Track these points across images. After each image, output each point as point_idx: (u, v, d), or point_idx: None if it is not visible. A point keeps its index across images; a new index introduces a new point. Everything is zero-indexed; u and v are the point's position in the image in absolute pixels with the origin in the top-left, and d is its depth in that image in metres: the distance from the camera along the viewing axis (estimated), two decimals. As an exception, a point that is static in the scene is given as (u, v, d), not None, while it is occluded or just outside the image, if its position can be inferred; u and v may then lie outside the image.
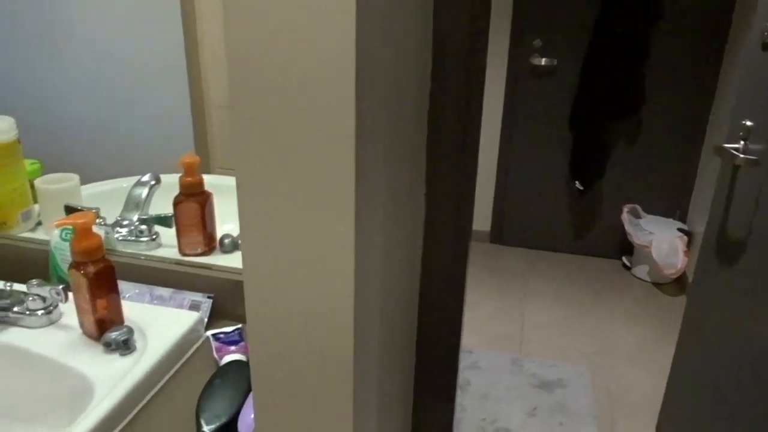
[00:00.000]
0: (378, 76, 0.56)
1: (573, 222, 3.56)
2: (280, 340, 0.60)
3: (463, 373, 2.42)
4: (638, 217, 3.35)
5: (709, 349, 1.76)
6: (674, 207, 3.36)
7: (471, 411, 2.21)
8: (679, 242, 3.06)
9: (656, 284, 3.27)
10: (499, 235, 3.68)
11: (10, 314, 0.88)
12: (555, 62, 3.21)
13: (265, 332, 0.60)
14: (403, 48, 0.71)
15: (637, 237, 3.19)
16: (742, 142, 1.61)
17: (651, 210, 3.39)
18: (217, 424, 0.76)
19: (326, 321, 0.58)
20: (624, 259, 3.47)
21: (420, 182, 0.88)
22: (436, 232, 0.91)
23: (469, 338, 2.70)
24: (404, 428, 1.11)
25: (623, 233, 3.32)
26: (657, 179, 3.33)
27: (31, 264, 1.11)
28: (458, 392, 2.30)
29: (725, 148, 1.61)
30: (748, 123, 1.59)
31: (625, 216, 3.27)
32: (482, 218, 3.67)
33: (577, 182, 3.35)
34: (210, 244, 1.10)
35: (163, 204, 1.09)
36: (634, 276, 3.36)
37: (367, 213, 0.58)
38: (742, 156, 1.55)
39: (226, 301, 1.03)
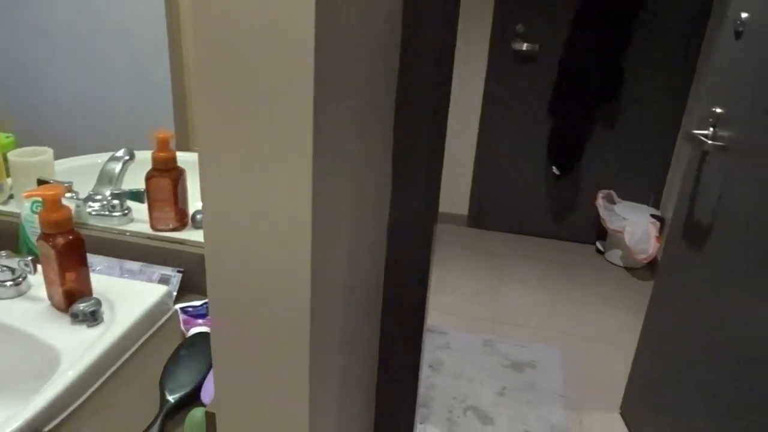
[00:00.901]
0: (340, 45, 0.57)
1: (550, 207, 3.60)
2: (239, 303, 0.61)
3: (436, 354, 2.46)
4: (613, 202, 3.40)
5: (673, 331, 1.81)
6: (649, 193, 3.41)
7: (442, 390, 2.25)
8: (652, 228, 3.11)
9: (629, 269, 3.33)
10: (477, 218, 3.71)
11: (-22, 285, 0.89)
12: (536, 47, 3.23)
13: (223, 294, 0.61)
14: (371, 22, 0.72)
15: (610, 222, 3.24)
16: (711, 129, 1.64)
17: (626, 196, 3.44)
18: (181, 393, 0.78)
19: (283, 287, 0.59)
20: (598, 244, 3.53)
21: (387, 159, 0.89)
22: (402, 211, 0.92)
23: (443, 319, 2.73)
24: (367, 406, 1.13)
25: (598, 218, 3.37)
26: (633, 166, 3.38)
27: (3, 236, 1.11)
28: (430, 372, 2.34)
29: (695, 135, 1.65)
30: (718, 110, 1.63)
31: (600, 202, 3.32)
32: (460, 202, 3.70)
33: (554, 167, 3.39)
34: (182, 220, 1.10)
35: (138, 179, 1.09)
36: (608, 261, 3.42)
37: (326, 179, 0.59)
38: (710, 142, 1.59)
39: (196, 275, 1.04)
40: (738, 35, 1.59)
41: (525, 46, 3.22)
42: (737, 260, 1.47)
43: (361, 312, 0.93)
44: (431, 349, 2.49)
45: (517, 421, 2.11)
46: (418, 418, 1.54)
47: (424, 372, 2.33)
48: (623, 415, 2.17)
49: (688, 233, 1.76)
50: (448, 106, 0.93)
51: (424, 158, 0.89)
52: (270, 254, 0.58)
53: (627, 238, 3.13)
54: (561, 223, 3.62)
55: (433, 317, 2.75)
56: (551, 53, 3.22)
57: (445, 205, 3.73)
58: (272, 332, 0.62)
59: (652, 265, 3.32)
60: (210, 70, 0.52)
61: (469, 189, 3.66)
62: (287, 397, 0.65)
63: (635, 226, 3.13)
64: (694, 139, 1.64)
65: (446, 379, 2.31)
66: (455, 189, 3.68)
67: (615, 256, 3.38)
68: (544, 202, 3.59)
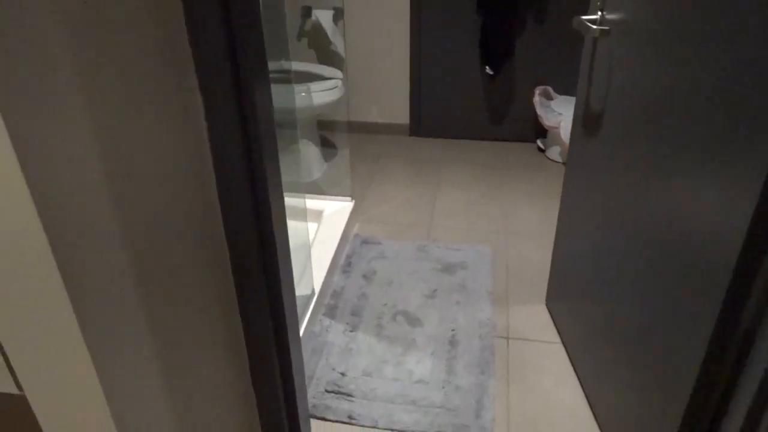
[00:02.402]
0: None
1: (488, 108, 3.56)
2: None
3: (371, 264, 2.50)
4: (550, 98, 3.36)
5: (583, 221, 1.84)
6: (585, 86, 3.37)
7: (373, 298, 2.29)
8: (586, 121, 3.10)
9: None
10: (418, 127, 3.68)
11: None
12: (458, -59, 3.09)
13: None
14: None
15: (547, 119, 3.22)
16: (599, 13, 1.60)
17: (563, 90, 3.41)
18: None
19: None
20: (539, 141, 3.52)
21: (187, 76, 0.86)
22: (219, 128, 0.89)
23: (378, 229, 2.76)
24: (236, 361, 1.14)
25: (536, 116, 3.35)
26: (567, 59, 3.32)
27: None
28: (364, 282, 2.38)
29: (582, 20, 1.60)
30: (605, -7, 1.58)
31: (537, 99, 3.29)
32: (400, 112, 3.65)
33: (487, 67, 3.33)
34: None
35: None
36: (548, 158, 3.43)
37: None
38: (594, 27, 1.55)
39: None
40: None
41: (447, -59, 3.08)
42: (630, 145, 1.47)
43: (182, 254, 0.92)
44: (366, 260, 2.52)
45: (446, 321, 2.17)
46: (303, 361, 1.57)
47: (357, 283, 2.38)
48: (548, 306, 2.24)
49: (586, 122, 1.75)
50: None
51: (231, 60, 0.86)
52: None
53: (562, 134, 3.12)
54: (501, 124, 3.60)
55: (368, 229, 2.77)
56: (475, -54, 3.09)
57: (385, 116, 3.68)
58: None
59: (590, 159, 3.33)
60: None
61: (408, 98, 3.60)
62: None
63: (570, 121, 3.12)
64: (582, 24, 1.60)
65: (378, 287, 2.35)
66: (393, 99, 3.62)
67: (554, 153, 3.38)
68: (482, 104, 3.55)
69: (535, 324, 2.17)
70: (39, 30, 0.58)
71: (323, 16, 3.21)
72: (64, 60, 0.62)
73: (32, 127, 0.56)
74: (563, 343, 2.06)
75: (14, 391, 0.79)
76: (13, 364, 0.74)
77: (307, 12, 3.34)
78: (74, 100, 0.64)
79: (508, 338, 2.10)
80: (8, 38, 0.54)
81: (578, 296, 1.90)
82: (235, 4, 0.84)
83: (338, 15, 3.25)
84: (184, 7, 0.82)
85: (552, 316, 2.19)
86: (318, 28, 3.29)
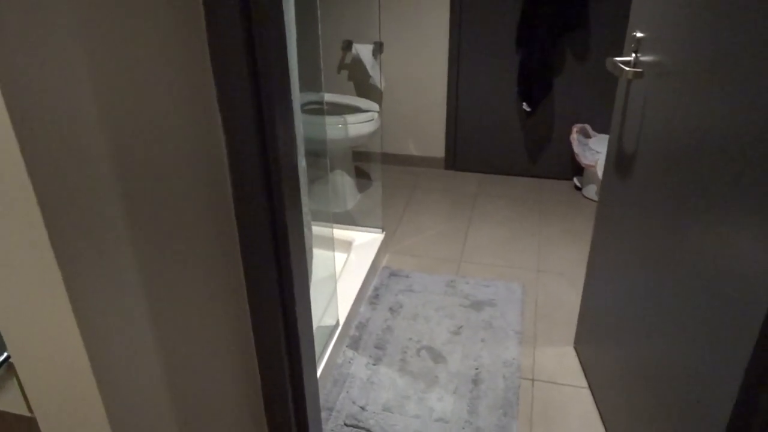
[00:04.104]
0: None
1: (525, 144, 3.54)
2: None
3: (398, 297, 2.49)
4: (588, 136, 3.33)
5: (614, 262, 1.80)
6: (624, 125, 3.33)
7: (398, 332, 2.28)
8: (624, 160, 3.05)
9: (605, 203, 3.29)
10: (454, 161, 3.68)
11: None
12: (499, -20, 3.12)
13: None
14: None
15: (584, 157, 3.19)
16: (633, 55, 1.59)
17: (601, 129, 3.37)
18: None
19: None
20: (575, 179, 3.48)
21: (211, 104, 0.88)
22: (241, 163, 0.91)
23: (407, 262, 2.75)
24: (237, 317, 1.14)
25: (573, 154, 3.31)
26: (606, 97, 3.29)
27: None
28: (389, 315, 2.37)
29: (615, 62, 1.59)
30: (639, 34, 1.57)
31: (574, 136, 3.26)
32: (436, 145, 3.66)
33: (525, 103, 3.32)
34: None
35: None
36: (584, 196, 3.38)
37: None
38: (627, 69, 1.53)
39: None
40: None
41: (488, -20, 3.11)
42: (663, 187, 1.44)
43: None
44: (393, 293, 2.51)
45: (469, 358, 2.14)
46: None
47: (383, 315, 2.37)
48: (576, 348, 2.19)
49: (619, 163, 1.73)
50: (280, 43, 0.91)
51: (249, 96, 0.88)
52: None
53: (599, 173, 3.08)
54: (537, 161, 3.57)
55: (397, 261, 2.76)
56: (516, -15, 3.11)
57: (421, 149, 3.70)
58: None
59: (628, 199, 3.27)
60: None
61: (444, 131, 3.61)
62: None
63: (607, 160, 3.07)
64: (615, 66, 1.59)
65: (404, 321, 2.34)
66: (430, 132, 3.64)
67: (591, 191, 3.33)
68: (519, 140, 3.54)
69: (562, 366, 2.11)
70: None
71: (363, 50, 3.26)
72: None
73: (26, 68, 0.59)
74: (590, 387, 2.00)
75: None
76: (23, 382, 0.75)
77: (348, 45, 3.40)
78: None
79: (533, 380, 2.05)
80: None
81: (608, 339, 1.85)
82: (262, 51, 0.87)
83: (378, 49, 3.31)
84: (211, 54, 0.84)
85: (580, 359, 2.14)
86: (357, 61, 3.35)
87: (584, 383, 2.03)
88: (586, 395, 1.98)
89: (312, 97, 2.52)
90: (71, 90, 0.64)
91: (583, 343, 2.12)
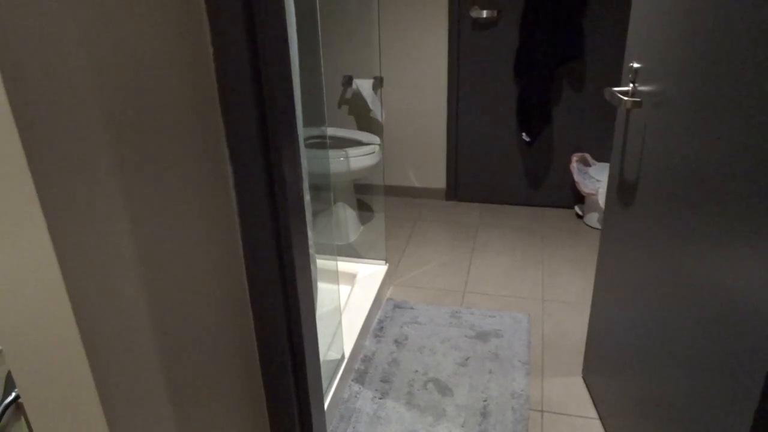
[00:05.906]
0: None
1: (526, 174, 3.57)
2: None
3: (403, 329, 2.47)
4: (588, 165, 3.35)
5: (619, 293, 1.79)
6: (624, 153, 3.35)
7: (404, 365, 2.26)
8: (625, 188, 3.07)
9: (607, 231, 3.29)
10: (455, 191, 3.70)
11: None
12: (495, 13, 3.18)
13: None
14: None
15: (585, 186, 3.20)
16: (631, 85, 1.61)
17: (601, 157, 3.39)
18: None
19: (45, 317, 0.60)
20: (577, 208, 3.49)
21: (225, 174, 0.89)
22: (251, 226, 0.92)
23: (412, 293, 2.74)
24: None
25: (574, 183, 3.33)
26: (605, 126, 3.32)
27: None
28: (395, 347, 2.35)
29: (613, 92, 1.61)
30: (636, 65, 1.59)
31: (574, 165, 3.28)
32: (437, 176, 3.69)
33: (524, 134, 3.35)
34: None
35: None
36: (586, 224, 3.38)
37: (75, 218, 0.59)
38: (626, 99, 1.56)
39: None
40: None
41: (484, 14, 3.17)
42: (666, 215, 1.44)
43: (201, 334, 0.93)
44: (398, 325, 2.50)
45: (476, 390, 2.12)
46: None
47: (388, 348, 2.35)
48: (585, 378, 2.17)
49: (620, 192, 1.74)
50: (287, 94, 0.92)
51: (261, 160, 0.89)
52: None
53: (600, 201, 3.09)
54: (538, 190, 3.59)
55: (401, 293, 2.76)
56: (511, 18, 3.17)
57: (422, 180, 3.72)
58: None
59: (630, 226, 3.27)
60: None
61: (444, 162, 3.64)
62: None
63: (608, 188, 3.09)
64: (614, 96, 1.61)
65: (409, 353, 2.32)
66: (431, 163, 3.66)
67: (593, 219, 3.34)
68: (519, 170, 3.56)
69: (571, 397, 2.09)
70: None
71: (363, 85, 3.31)
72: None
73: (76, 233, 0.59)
74: (600, 417, 1.98)
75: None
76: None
77: (348, 81, 3.45)
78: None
79: (542, 411, 2.03)
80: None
81: (616, 369, 1.83)
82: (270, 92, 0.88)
83: (377, 83, 3.35)
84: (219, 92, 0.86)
85: (589, 389, 2.11)
86: (358, 96, 3.39)
87: (594, 414, 2.01)
88: (596, 426, 1.95)
89: (314, 131, 2.55)
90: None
91: (591, 372, 2.10)
